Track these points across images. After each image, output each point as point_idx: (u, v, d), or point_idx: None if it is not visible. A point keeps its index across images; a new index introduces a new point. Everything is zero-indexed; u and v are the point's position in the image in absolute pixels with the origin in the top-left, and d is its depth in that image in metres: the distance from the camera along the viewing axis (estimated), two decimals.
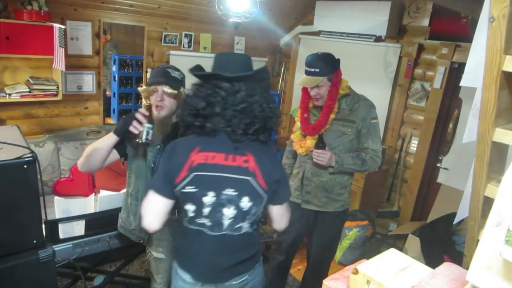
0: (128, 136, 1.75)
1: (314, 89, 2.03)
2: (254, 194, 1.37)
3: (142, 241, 1.95)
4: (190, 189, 1.33)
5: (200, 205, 1.35)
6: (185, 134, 1.43)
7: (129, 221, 1.95)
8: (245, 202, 1.36)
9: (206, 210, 1.36)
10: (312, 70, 1.98)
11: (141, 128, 1.66)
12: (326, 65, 1.99)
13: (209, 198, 1.35)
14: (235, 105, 1.33)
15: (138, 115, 1.67)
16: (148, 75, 3.87)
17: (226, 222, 1.38)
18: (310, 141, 2.11)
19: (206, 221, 1.38)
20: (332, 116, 2.07)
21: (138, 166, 1.86)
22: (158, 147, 1.85)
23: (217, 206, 1.35)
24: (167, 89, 1.77)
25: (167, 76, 1.79)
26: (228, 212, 1.36)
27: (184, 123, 1.40)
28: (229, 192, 1.34)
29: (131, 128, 1.67)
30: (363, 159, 2.05)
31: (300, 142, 2.19)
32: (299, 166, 2.26)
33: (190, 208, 1.37)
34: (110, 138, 1.75)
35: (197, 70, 1.39)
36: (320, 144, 2.00)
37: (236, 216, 1.37)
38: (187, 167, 1.32)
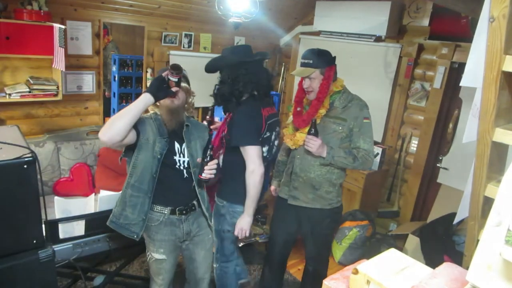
0: (164, 92, 1.77)
1: (307, 81, 2.08)
2: (280, 127, 2.22)
3: (135, 236, 1.89)
4: (267, 134, 2.04)
5: (271, 144, 2.12)
6: (226, 104, 2.03)
7: (124, 214, 1.90)
8: (279, 133, 2.20)
9: (271, 146, 2.13)
10: (306, 61, 2.07)
11: (178, 76, 1.80)
12: (320, 58, 2.05)
13: (273, 137, 2.11)
14: (270, 76, 2.09)
15: (171, 70, 1.77)
16: (148, 75, 3.87)
17: (274, 150, 2.20)
18: (299, 135, 2.12)
19: (269, 155, 2.14)
20: (322, 111, 2.08)
21: (146, 156, 1.85)
22: (165, 140, 1.86)
23: (274, 140, 2.14)
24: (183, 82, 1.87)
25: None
26: (276, 142, 2.17)
27: (242, 92, 1.97)
28: (277, 129, 2.17)
29: (171, 77, 1.77)
30: (354, 156, 2.04)
31: (291, 136, 2.20)
32: (289, 161, 2.26)
33: (264, 150, 2.04)
34: (144, 99, 1.72)
35: (256, 56, 2.06)
36: (313, 130, 2.00)
37: (278, 144, 2.21)
38: (264, 120, 1.98)
